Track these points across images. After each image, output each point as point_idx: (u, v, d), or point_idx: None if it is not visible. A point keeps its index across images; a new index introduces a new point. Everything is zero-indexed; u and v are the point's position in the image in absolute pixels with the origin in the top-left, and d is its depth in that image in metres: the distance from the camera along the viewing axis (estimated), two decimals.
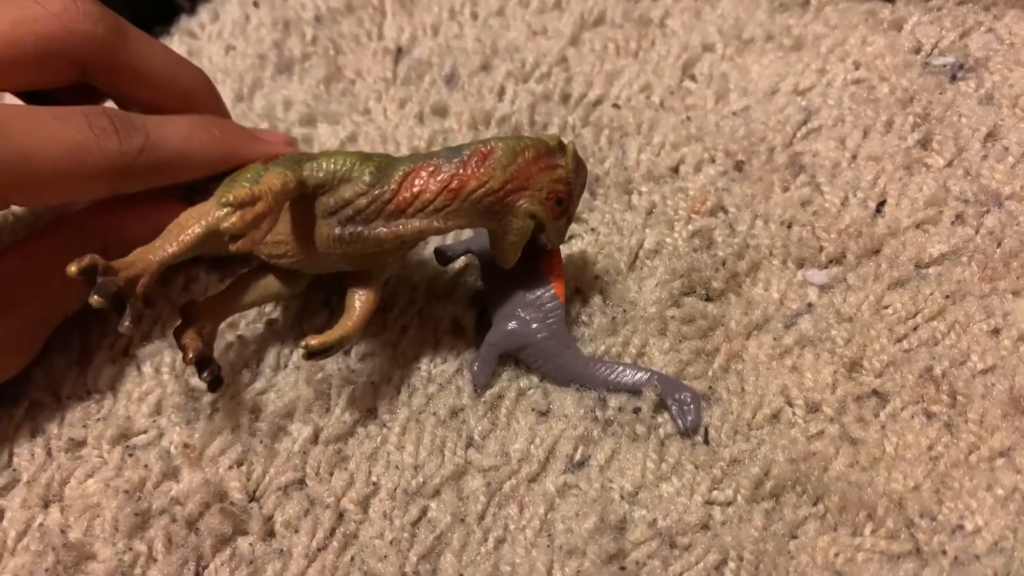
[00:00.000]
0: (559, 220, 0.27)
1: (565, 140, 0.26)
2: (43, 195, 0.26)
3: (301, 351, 0.26)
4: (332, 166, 0.25)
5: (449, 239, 0.33)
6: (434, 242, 0.33)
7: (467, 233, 0.32)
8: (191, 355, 0.27)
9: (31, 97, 0.30)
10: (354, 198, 0.25)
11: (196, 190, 0.30)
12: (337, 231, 0.25)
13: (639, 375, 0.28)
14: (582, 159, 0.27)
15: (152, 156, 0.27)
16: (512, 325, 0.28)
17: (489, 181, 0.25)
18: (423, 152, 0.26)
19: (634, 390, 0.28)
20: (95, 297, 0.23)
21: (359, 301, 0.27)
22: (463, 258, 0.32)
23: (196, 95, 0.31)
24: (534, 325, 0.28)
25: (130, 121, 0.26)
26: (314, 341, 0.25)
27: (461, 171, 0.25)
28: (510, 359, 0.29)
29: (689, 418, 0.27)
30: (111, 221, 0.29)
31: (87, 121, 0.25)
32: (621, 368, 0.28)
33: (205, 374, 0.27)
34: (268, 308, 0.32)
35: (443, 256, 0.30)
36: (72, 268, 0.23)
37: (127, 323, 0.24)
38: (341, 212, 0.25)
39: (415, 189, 0.25)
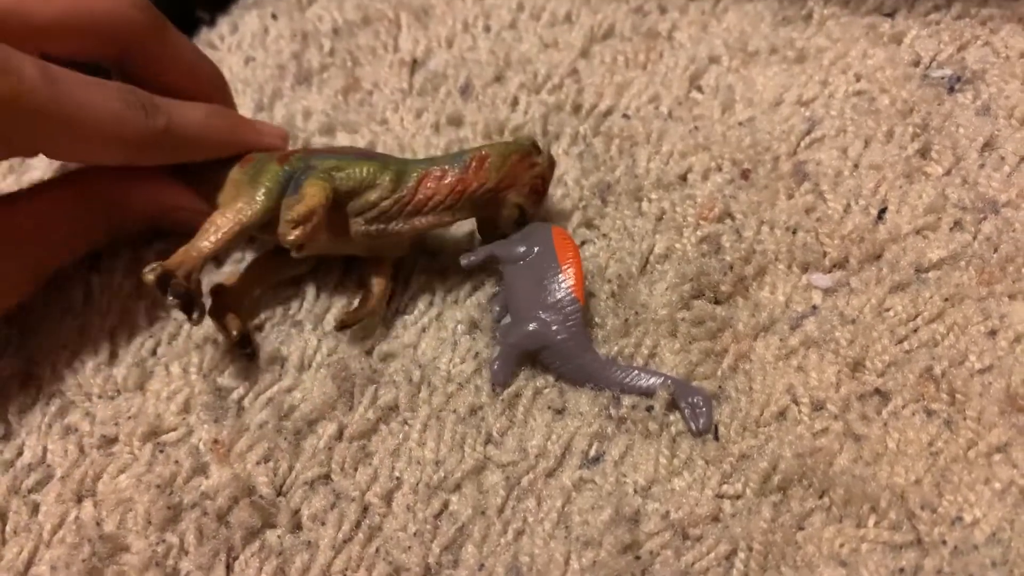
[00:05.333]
0: (537, 204, 0.32)
1: (539, 141, 0.32)
2: (72, 150, 0.28)
3: (334, 323, 0.31)
4: (360, 175, 0.29)
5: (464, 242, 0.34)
6: (450, 243, 0.34)
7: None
8: (235, 333, 0.30)
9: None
10: (379, 201, 0.29)
11: (191, 171, 0.32)
12: (364, 228, 0.30)
13: (653, 379, 0.29)
14: (552, 155, 0.32)
15: (172, 136, 0.30)
16: (533, 327, 0.29)
17: (487, 182, 0.30)
18: (429, 157, 0.31)
19: (648, 393, 0.29)
20: (172, 299, 0.27)
21: (377, 283, 0.31)
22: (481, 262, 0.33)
23: (213, 87, 0.34)
24: (554, 327, 0.29)
25: (154, 102, 0.29)
26: (347, 318, 0.31)
27: (465, 175, 0.30)
28: (527, 359, 0.30)
29: (701, 420, 0.28)
30: (119, 188, 0.32)
31: (121, 95, 0.28)
32: (636, 372, 0.29)
33: (248, 349, 0.31)
34: (293, 310, 0.33)
35: (468, 261, 0.32)
36: (149, 277, 0.26)
37: (196, 315, 0.28)
38: (367, 213, 0.30)
39: (428, 192, 0.30)
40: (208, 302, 0.30)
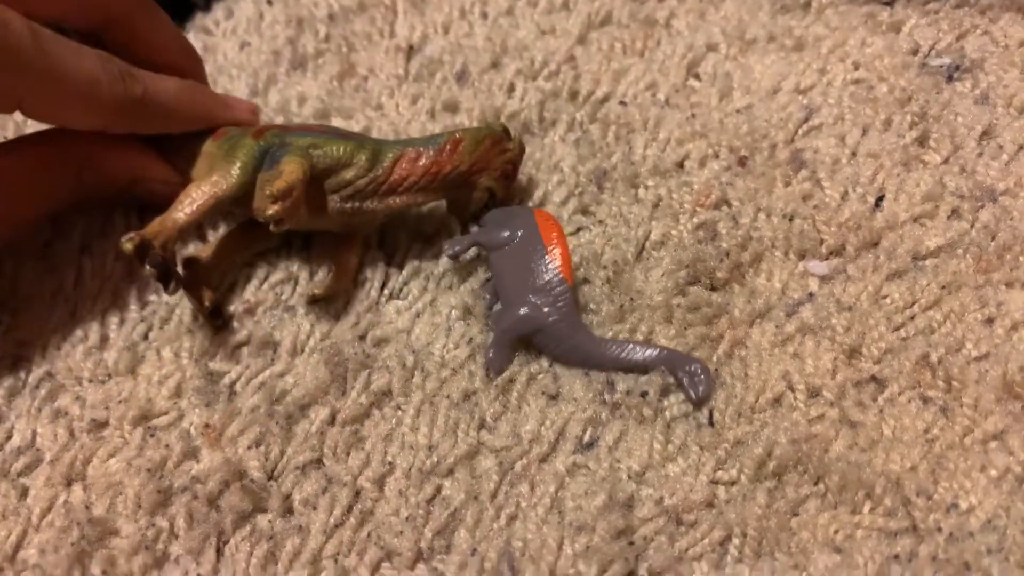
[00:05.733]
0: (507, 188, 0.33)
1: (510, 126, 0.33)
2: (51, 109, 0.29)
3: (307, 297, 0.32)
4: (336, 153, 0.30)
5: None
6: (445, 229, 0.34)
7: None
8: (208, 304, 0.31)
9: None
10: (355, 179, 0.30)
11: (165, 143, 0.33)
12: (339, 205, 0.30)
13: (649, 351, 0.29)
14: (522, 141, 0.34)
15: (147, 105, 0.30)
16: (524, 311, 0.29)
17: (460, 165, 0.31)
18: (405, 139, 0.32)
19: (644, 366, 0.29)
20: (150, 269, 0.27)
21: (348, 260, 0.32)
22: (471, 250, 0.32)
23: (188, 64, 0.35)
24: (545, 309, 0.29)
25: (131, 72, 0.30)
26: (318, 291, 0.31)
27: (439, 158, 0.30)
28: (521, 344, 0.30)
29: (701, 388, 0.28)
30: (93, 149, 0.32)
31: (101, 60, 0.29)
32: (631, 346, 0.29)
33: (220, 321, 0.32)
34: (285, 295, 0.32)
35: (452, 250, 0.31)
36: (128, 246, 0.27)
37: (171, 287, 0.28)
38: (343, 191, 0.30)
39: (403, 172, 0.30)
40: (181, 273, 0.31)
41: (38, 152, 0.31)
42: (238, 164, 0.30)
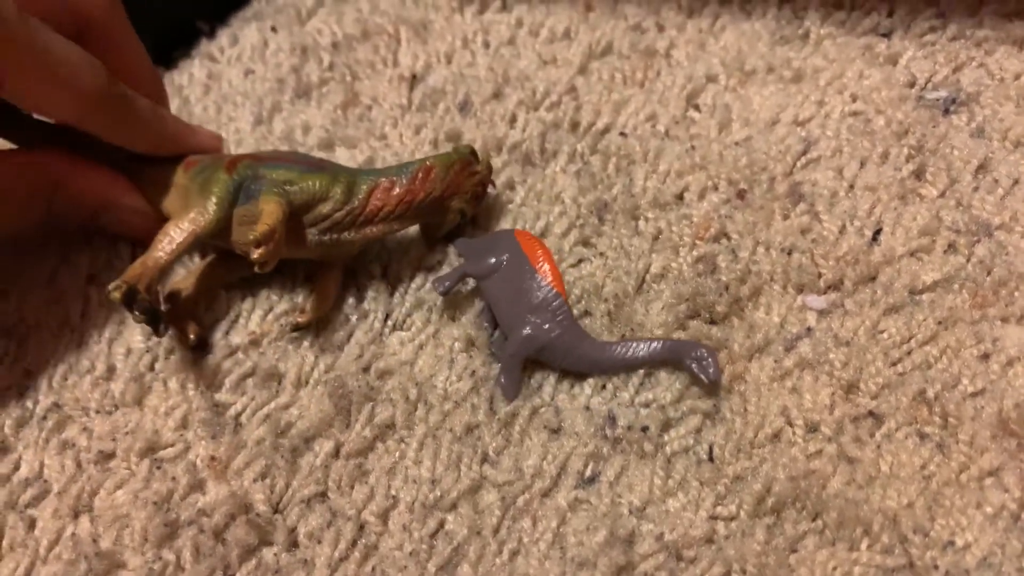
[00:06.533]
0: (476, 207, 0.35)
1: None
2: (32, 88, 0.28)
3: (291, 325, 0.33)
4: (312, 188, 0.31)
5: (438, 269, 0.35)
6: (448, 262, 0.34)
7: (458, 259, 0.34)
8: (193, 338, 0.32)
9: None
10: (331, 213, 0.31)
11: (134, 170, 0.34)
12: (318, 238, 0.31)
13: (653, 344, 0.30)
14: (490, 162, 0.35)
15: (124, 108, 0.31)
16: (527, 331, 0.30)
17: (433, 191, 0.32)
18: (377, 168, 0.33)
19: (651, 361, 0.30)
20: (137, 315, 0.28)
21: (327, 286, 0.33)
22: (468, 281, 0.33)
23: (155, 88, 0.36)
24: (546, 325, 0.30)
25: (113, 75, 0.30)
26: (301, 319, 0.32)
27: (412, 186, 0.31)
28: (525, 372, 0.30)
29: (711, 370, 0.29)
30: (64, 170, 0.32)
31: (85, 54, 0.29)
32: (635, 344, 0.30)
33: (206, 353, 0.32)
34: (290, 326, 0.33)
35: (442, 286, 0.32)
36: (115, 295, 0.27)
37: (162, 327, 0.29)
38: (321, 224, 0.31)
39: (379, 203, 0.31)
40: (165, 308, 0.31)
41: (10, 166, 0.31)
42: (214, 200, 0.30)
